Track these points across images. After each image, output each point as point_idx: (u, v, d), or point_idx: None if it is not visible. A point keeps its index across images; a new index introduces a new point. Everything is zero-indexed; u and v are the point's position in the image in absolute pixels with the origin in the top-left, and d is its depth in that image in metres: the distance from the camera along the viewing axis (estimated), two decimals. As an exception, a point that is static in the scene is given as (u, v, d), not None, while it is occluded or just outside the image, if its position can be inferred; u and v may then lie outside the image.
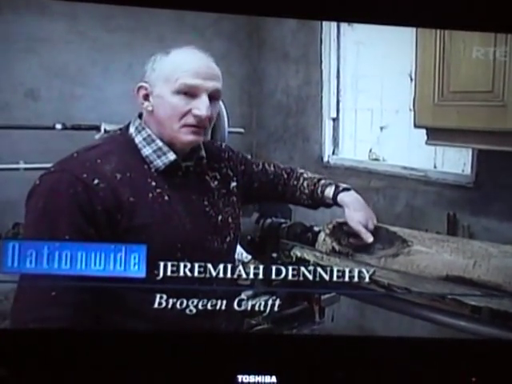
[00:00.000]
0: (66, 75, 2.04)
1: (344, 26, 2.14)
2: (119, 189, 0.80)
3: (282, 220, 1.21)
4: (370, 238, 1.01)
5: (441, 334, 1.16)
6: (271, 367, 0.73)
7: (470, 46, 1.22)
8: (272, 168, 1.10)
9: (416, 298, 0.93)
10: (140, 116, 0.89)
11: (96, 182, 0.79)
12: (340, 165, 2.15)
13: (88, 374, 0.73)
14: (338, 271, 1.03)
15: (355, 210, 1.02)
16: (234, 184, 0.98)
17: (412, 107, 1.42)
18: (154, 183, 0.84)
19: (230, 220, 0.94)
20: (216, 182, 0.95)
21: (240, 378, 0.72)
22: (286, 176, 1.09)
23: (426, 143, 1.42)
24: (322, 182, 1.07)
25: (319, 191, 1.06)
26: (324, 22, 2.12)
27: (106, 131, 1.59)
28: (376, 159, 2.06)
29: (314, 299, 1.32)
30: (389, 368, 0.74)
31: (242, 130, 2.16)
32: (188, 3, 1.16)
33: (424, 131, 1.44)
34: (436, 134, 1.38)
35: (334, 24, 2.13)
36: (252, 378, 0.72)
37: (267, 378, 0.72)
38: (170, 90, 0.82)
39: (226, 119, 2.01)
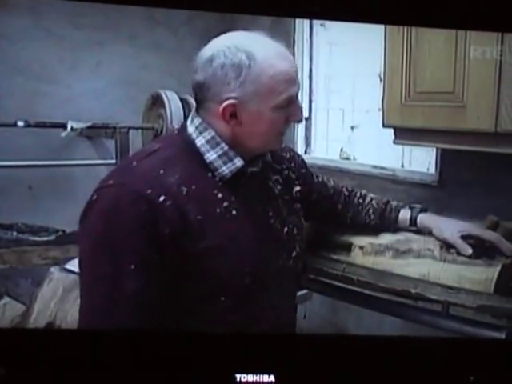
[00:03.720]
0: (30, 72, 1.99)
1: (317, 26, 2.16)
2: (186, 206, 0.68)
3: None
4: (468, 250, 0.88)
5: (409, 330, 1.19)
6: (270, 366, 0.72)
7: (435, 47, 1.25)
8: (332, 183, 1.00)
9: (384, 294, 0.95)
10: (197, 111, 0.76)
11: (162, 198, 0.67)
12: (312, 164, 2.13)
13: (87, 374, 0.71)
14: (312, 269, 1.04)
15: (444, 225, 0.94)
16: (297, 188, 0.88)
17: (381, 107, 1.45)
18: (220, 195, 0.73)
19: (295, 231, 0.83)
20: (279, 187, 0.84)
21: (238, 377, 0.71)
22: (347, 193, 1.01)
23: (394, 142, 1.45)
24: (394, 203, 0.99)
25: (393, 212, 0.97)
26: (297, 22, 2.13)
27: (72, 129, 1.56)
28: (347, 158, 2.09)
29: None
30: (387, 367, 0.74)
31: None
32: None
33: (392, 131, 1.47)
34: (403, 134, 1.41)
35: (306, 24, 2.15)
36: (250, 377, 0.71)
37: (265, 377, 0.71)
38: (271, 106, 0.72)
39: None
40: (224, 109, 0.71)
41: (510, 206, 1.14)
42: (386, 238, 0.98)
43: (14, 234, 1.65)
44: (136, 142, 2.08)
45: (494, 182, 1.41)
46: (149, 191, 0.67)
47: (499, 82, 1.11)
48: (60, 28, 2.05)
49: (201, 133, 0.74)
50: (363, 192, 1.03)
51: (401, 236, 0.98)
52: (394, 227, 0.98)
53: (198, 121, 0.75)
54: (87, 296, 0.70)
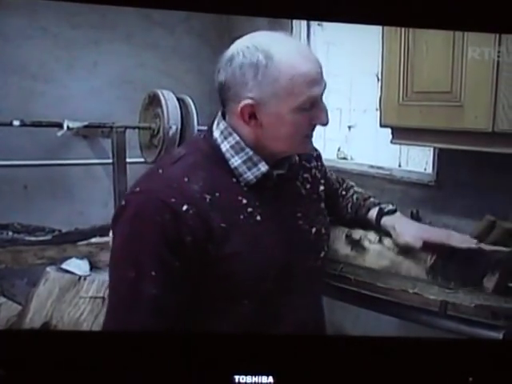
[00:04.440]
0: (26, 71, 1.98)
1: (314, 26, 2.16)
2: (209, 214, 0.70)
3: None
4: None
5: (407, 330, 1.19)
6: (268, 367, 0.72)
7: (433, 47, 1.26)
8: (334, 176, 1.00)
9: (381, 294, 0.95)
10: (223, 115, 0.76)
11: (185, 208, 0.68)
12: (310, 163, 2.16)
13: (86, 374, 0.72)
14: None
15: (404, 228, 0.92)
16: (322, 188, 0.88)
17: (378, 107, 1.45)
18: (244, 201, 0.73)
19: (323, 231, 0.83)
20: (308, 186, 0.84)
21: (237, 378, 0.71)
22: (338, 186, 1.01)
23: (391, 142, 1.45)
24: (371, 200, 0.98)
25: (364, 209, 0.97)
26: (294, 22, 2.13)
27: (68, 128, 1.56)
28: (344, 158, 2.10)
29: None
30: (385, 368, 0.74)
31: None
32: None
33: (389, 130, 1.47)
34: (400, 134, 1.41)
35: (304, 24, 2.15)
36: (249, 379, 0.71)
37: (264, 379, 0.71)
38: (290, 107, 0.70)
39: (195, 117, 2.00)
40: (242, 109, 0.71)
41: (507, 205, 1.15)
42: (372, 263, 0.97)
43: (10, 233, 1.64)
44: (133, 141, 2.07)
45: (492, 182, 1.42)
46: (173, 200, 0.68)
47: (497, 82, 1.11)
48: (56, 27, 2.04)
49: (226, 138, 0.75)
50: (350, 184, 1.03)
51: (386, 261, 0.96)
52: (364, 224, 0.98)
53: (223, 125, 0.75)
54: (111, 295, 0.73)
